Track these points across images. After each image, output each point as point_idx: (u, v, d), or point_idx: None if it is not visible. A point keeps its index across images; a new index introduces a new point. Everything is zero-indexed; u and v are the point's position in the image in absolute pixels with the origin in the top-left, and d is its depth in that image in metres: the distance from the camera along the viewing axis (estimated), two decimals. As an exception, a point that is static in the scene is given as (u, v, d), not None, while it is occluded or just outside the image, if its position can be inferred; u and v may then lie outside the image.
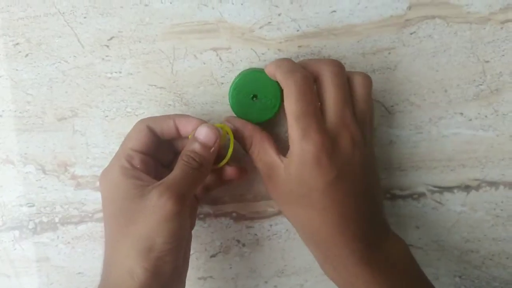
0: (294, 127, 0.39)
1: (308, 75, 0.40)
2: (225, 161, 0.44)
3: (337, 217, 0.40)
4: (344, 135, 0.39)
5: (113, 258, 0.39)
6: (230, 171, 0.45)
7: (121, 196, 0.39)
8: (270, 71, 0.42)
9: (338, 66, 0.41)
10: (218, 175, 0.45)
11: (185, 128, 0.43)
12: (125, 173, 0.40)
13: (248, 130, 0.43)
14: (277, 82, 0.42)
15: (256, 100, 0.44)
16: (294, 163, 0.39)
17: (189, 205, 0.42)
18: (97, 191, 0.50)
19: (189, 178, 0.40)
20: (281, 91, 0.42)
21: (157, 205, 0.37)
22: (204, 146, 0.41)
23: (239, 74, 0.46)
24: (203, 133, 0.41)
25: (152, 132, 0.42)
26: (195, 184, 0.41)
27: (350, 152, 0.39)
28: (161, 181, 0.39)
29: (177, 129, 0.43)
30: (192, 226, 0.46)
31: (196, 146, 0.41)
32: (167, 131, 0.43)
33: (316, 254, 0.44)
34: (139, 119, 0.44)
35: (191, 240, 0.45)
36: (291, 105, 0.39)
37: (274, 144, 0.43)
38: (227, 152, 0.43)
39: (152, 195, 0.38)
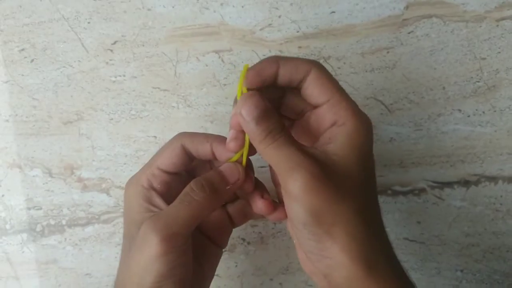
0: (347, 100, 0.34)
1: None
2: (237, 156, 0.38)
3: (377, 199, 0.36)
4: None
5: (117, 284, 0.38)
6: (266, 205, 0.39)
7: (130, 217, 0.38)
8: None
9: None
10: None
11: (221, 155, 0.39)
12: (140, 193, 0.38)
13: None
14: None
15: None
16: (355, 142, 0.33)
17: (185, 243, 0.36)
18: (103, 193, 0.51)
19: (187, 212, 0.36)
20: None
21: (143, 242, 0.34)
22: (223, 179, 0.37)
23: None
24: (228, 168, 0.38)
25: (186, 152, 0.39)
26: (193, 220, 0.36)
27: None
28: (154, 214, 0.36)
29: (213, 154, 0.39)
30: (223, 246, 0.42)
31: (214, 176, 0.37)
32: (202, 154, 0.39)
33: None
34: (176, 134, 0.40)
35: (212, 268, 0.42)
36: (334, 80, 0.35)
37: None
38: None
39: (142, 228, 0.35)
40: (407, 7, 0.47)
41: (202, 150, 0.39)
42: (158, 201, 0.38)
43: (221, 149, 0.38)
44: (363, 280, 0.32)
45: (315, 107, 0.35)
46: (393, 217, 0.50)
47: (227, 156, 0.38)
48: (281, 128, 0.33)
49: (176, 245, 0.35)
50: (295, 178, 0.32)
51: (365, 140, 0.34)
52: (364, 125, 0.34)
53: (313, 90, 0.35)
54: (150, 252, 0.34)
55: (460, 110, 0.49)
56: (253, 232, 0.51)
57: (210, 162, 0.42)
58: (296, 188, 0.32)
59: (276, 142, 0.33)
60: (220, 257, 0.42)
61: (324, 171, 0.32)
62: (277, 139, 0.33)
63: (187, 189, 0.36)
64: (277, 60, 0.35)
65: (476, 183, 0.50)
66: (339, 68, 0.48)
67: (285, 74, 0.35)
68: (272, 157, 0.33)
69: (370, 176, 0.35)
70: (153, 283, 0.34)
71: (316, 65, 0.35)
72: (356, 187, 0.33)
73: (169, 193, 0.39)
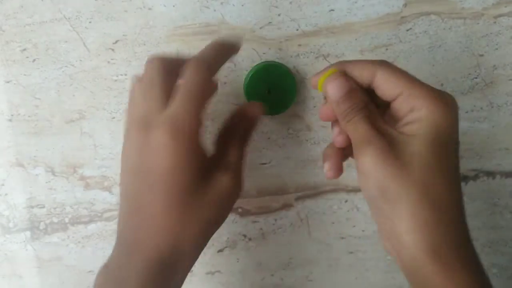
0: (420, 87, 0.35)
1: None
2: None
3: (458, 182, 0.36)
4: (455, 100, 0.37)
5: (167, 224, 0.36)
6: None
7: (193, 165, 0.36)
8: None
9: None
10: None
11: None
12: (200, 143, 0.37)
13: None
14: (292, 75, 0.47)
15: (270, 93, 0.47)
16: (428, 122, 0.34)
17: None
18: (105, 191, 0.51)
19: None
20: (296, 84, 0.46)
21: (228, 193, 0.37)
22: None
23: (253, 67, 0.48)
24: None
25: None
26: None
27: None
28: (228, 166, 0.38)
29: None
30: None
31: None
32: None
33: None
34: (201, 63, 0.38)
35: None
36: (402, 74, 0.36)
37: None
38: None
39: (223, 180, 0.37)
40: (405, 5, 0.48)
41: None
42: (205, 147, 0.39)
43: None
44: (427, 265, 0.32)
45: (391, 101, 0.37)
46: (393, 212, 0.51)
47: None
48: (361, 106, 0.36)
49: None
50: (364, 154, 0.34)
51: (441, 122, 0.34)
52: (441, 108, 0.34)
53: (383, 89, 0.36)
54: (233, 201, 0.39)
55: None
56: (254, 228, 0.52)
57: None
58: (365, 162, 0.34)
59: (353, 119, 0.36)
60: None
61: (393, 148, 0.34)
62: (354, 116, 0.36)
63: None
64: (343, 66, 0.38)
65: (474, 178, 0.51)
66: (338, 65, 0.48)
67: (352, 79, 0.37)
68: (349, 133, 0.37)
69: (445, 158, 0.34)
70: (215, 227, 0.39)
71: (381, 66, 0.36)
72: (425, 167, 0.33)
73: None
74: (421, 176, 0.33)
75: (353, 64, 0.37)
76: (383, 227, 0.35)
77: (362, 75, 0.37)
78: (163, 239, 0.35)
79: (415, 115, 0.35)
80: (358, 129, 0.35)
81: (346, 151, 0.39)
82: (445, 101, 0.34)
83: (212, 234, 0.39)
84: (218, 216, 0.38)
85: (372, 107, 0.37)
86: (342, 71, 0.37)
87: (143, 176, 0.36)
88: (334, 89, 0.37)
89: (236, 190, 0.38)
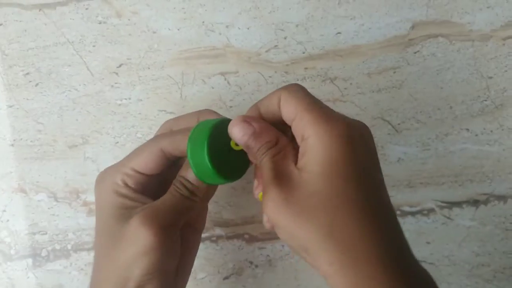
0: (310, 112, 0.32)
1: None
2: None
3: (374, 212, 0.31)
4: (357, 124, 0.33)
5: (96, 280, 0.37)
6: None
7: (109, 213, 0.37)
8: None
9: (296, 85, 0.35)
10: None
11: None
12: (116, 191, 0.37)
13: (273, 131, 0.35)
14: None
15: (230, 152, 0.36)
16: (319, 155, 0.31)
17: (176, 235, 0.37)
18: (109, 217, 0.50)
19: (179, 206, 0.36)
20: None
21: (135, 235, 0.34)
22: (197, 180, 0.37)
23: (197, 125, 0.37)
24: None
25: (165, 154, 0.37)
26: (184, 213, 0.37)
27: (370, 140, 0.33)
28: (145, 206, 0.36)
29: None
30: (201, 228, 0.42)
31: (190, 176, 0.37)
32: (184, 152, 0.37)
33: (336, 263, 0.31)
34: (154, 136, 0.39)
35: (193, 254, 0.41)
36: (301, 96, 0.33)
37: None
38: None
39: (132, 223, 0.35)
40: (413, 27, 0.47)
41: (184, 148, 0.37)
42: (139, 196, 0.37)
43: None
44: None
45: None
46: (402, 237, 0.50)
47: None
48: (270, 146, 0.33)
49: (168, 237, 0.35)
50: (264, 204, 0.32)
51: (332, 153, 0.31)
52: (329, 135, 0.31)
53: (283, 112, 0.34)
54: (142, 244, 0.34)
55: (467, 129, 0.49)
56: (261, 255, 0.51)
57: None
58: (267, 214, 0.32)
59: (262, 162, 0.33)
60: (199, 242, 0.41)
61: (292, 192, 0.31)
62: (262, 158, 0.33)
63: (174, 184, 0.37)
64: (256, 104, 0.35)
65: (485, 202, 0.50)
66: (345, 88, 0.48)
67: (267, 112, 0.35)
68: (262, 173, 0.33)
69: (347, 191, 0.31)
70: (142, 276, 0.34)
71: (286, 89, 0.34)
72: (325, 207, 0.30)
73: (147, 190, 0.38)
74: (323, 217, 0.30)
75: (263, 99, 0.35)
76: None
77: (272, 104, 0.34)
78: None
79: (306, 146, 0.32)
80: (264, 173, 0.32)
81: None
82: (336, 128, 0.31)
83: None
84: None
85: (284, 142, 0.34)
86: (257, 110, 0.35)
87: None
88: (238, 134, 0.34)
89: (144, 238, 0.35)
